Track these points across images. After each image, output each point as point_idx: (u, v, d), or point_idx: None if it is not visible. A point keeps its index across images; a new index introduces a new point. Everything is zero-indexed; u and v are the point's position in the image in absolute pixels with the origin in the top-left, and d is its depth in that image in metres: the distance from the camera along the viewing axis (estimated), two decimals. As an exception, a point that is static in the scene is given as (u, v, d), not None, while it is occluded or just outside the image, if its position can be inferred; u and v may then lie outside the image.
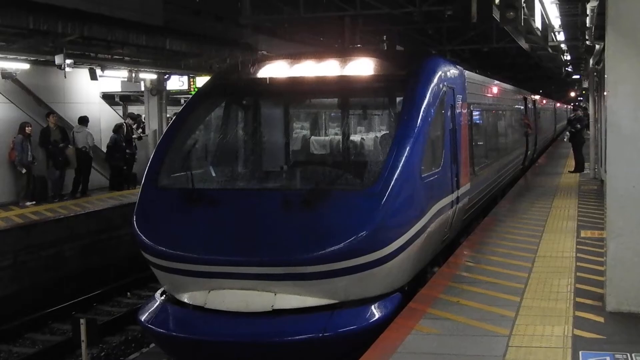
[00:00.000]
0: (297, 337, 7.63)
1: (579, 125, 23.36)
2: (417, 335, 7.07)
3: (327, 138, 11.69)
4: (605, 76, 7.95)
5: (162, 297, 8.68)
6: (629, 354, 6.29)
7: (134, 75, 21.50)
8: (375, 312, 7.95)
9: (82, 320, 8.82)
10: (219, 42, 20.56)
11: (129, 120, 22.81)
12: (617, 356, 6.27)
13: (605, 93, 8.01)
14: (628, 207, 7.49)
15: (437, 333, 7.13)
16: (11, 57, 16.68)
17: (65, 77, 18.38)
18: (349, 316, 7.84)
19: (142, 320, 8.44)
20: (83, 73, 20.17)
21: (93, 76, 19.61)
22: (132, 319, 11.03)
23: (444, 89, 10.29)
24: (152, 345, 11.34)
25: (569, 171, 22.77)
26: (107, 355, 11.84)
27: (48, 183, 18.44)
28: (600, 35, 12.04)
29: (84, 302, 14.46)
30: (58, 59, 16.45)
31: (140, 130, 24.05)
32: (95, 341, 9.77)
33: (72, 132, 19.24)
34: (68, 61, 16.65)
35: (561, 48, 22.77)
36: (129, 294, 15.46)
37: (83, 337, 8.77)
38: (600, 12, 9.65)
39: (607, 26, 7.63)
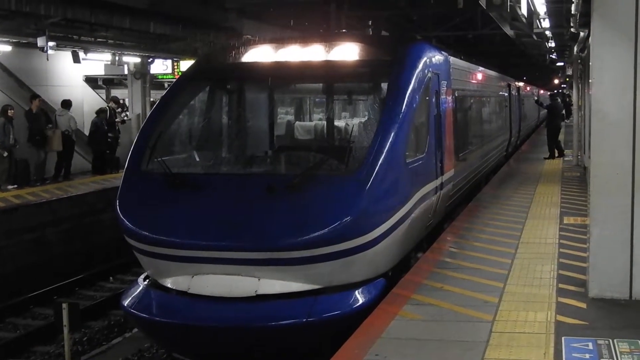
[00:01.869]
0: (281, 322, 7.62)
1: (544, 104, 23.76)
2: (401, 321, 7.07)
3: (311, 123, 11.66)
4: (590, 63, 7.96)
5: (145, 282, 8.65)
6: (610, 340, 6.32)
7: (117, 58, 21.36)
8: (359, 297, 7.96)
9: (64, 305, 8.78)
10: (204, 26, 20.44)
11: (112, 104, 22.67)
12: (600, 342, 6.30)
13: (590, 80, 8.02)
14: (611, 194, 7.51)
15: (421, 319, 7.13)
16: (-7, 39, 16.53)
17: (47, 59, 18.23)
18: (333, 301, 7.85)
19: (125, 305, 8.41)
20: (66, 56, 20.01)
21: (76, 59, 19.46)
22: (115, 303, 10.99)
23: (429, 75, 10.27)
24: (135, 330, 11.32)
25: (544, 157, 22.88)
26: (90, 340, 11.79)
27: (30, 166, 18.31)
28: (585, 23, 12.05)
29: (66, 287, 14.39)
30: (40, 42, 16.30)
31: (124, 114, 23.92)
32: (78, 326, 9.73)
33: (54, 116, 19.11)
34: (50, 43, 16.52)
35: (546, 35, 22.77)
36: (111, 278, 15.39)
37: (65, 321, 8.74)
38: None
39: (593, 13, 7.62)
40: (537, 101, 35.16)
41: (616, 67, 7.49)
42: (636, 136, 7.41)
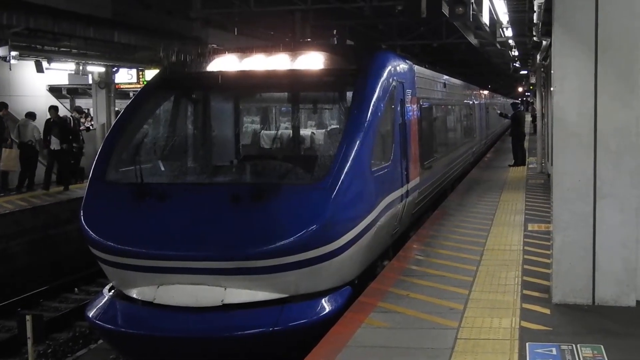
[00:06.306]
0: (248, 332, 7.61)
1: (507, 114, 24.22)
2: (367, 329, 7.10)
3: (277, 132, 11.66)
4: (552, 72, 8.06)
5: (111, 293, 8.59)
6: (574, 345, 6.40)
7: (81, 67, 21.20)
8: (326, 305, 7.97)
9: (28, 317, 8.68)
10: (169, 36, 20.38)
11: (75, 114, 22.45)
12: (563, 347, 6.37)
13: (552, 89, 8.12)
14: (574, 201, 7.60)
15: (387, 326, 7.16)
16: (-46, 48, 16.33)
17: (10, 69, 18.06)
18: (300, 310, 7.85)
19: (90, 316, 8.34)
20: (29, 65, 19.81)
21: (39, 68, 19.29)
22: (80, 315, 10.88)
23: (394, 83, 10.33)
24: (100, 341, 11.22)
25: (508, 165, 23.08)
26: (54, 352, 11.65)
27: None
28: (547, 32, 12.22)
29: (30, 299, 14.22)
30: (3, 51, 16.16)
31: (88, 123, 23.74)
32: (42, 338, 9.62)
33: (17, 126, 18.89)
34: (13, 53, 16.39)
35: (509, 44, 23.10)
36: (76, 289, 15.24)
37: (29, 333, 8.63)
38: (547, 9, 9.78)
39: (554, 22, 7.73)
40: (500, 114, 35.52)
41: (577, 76, 7.59)
42: (597, 144, 7.52)
